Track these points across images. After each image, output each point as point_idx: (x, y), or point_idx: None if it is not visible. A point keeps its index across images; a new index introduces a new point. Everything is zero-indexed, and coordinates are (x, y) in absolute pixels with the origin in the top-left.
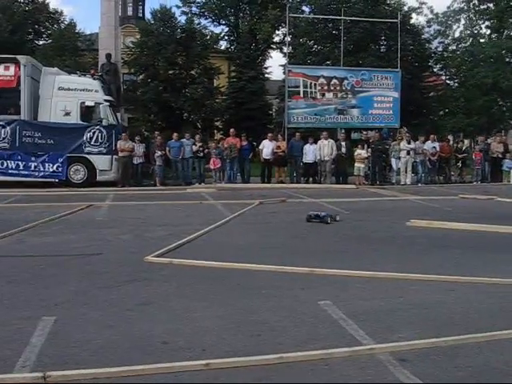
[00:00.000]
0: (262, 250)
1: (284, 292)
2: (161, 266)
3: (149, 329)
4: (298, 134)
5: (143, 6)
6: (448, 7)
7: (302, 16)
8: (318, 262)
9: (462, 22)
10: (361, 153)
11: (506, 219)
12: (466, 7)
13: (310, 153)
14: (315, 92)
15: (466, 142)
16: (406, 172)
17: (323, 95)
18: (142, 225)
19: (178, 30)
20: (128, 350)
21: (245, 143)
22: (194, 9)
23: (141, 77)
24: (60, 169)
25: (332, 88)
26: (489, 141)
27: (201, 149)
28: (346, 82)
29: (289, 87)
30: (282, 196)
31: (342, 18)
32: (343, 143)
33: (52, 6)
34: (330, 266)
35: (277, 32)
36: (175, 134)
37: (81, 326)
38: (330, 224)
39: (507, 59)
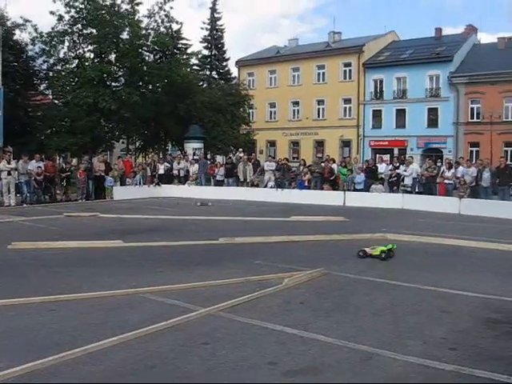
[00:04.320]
0: None
1: None
2: None
3: None
4: None
5: None
6: (52, 28)
7: None
8: None
9: (67, 43)
10: None
11: (107, 234)
12: (70, 30)
13: None
14: None
15: (74, 160)
16: (9, 193)
17: None
18: None
19: None
20: None
21: None
22: None
23: None
24: None
25: None
26: (93, 160)
27: None
28: None
29: None
30: None
31: None
32: None
33: None
34: None
35: None
36: None
37: None
38: None
39: (108, 82)
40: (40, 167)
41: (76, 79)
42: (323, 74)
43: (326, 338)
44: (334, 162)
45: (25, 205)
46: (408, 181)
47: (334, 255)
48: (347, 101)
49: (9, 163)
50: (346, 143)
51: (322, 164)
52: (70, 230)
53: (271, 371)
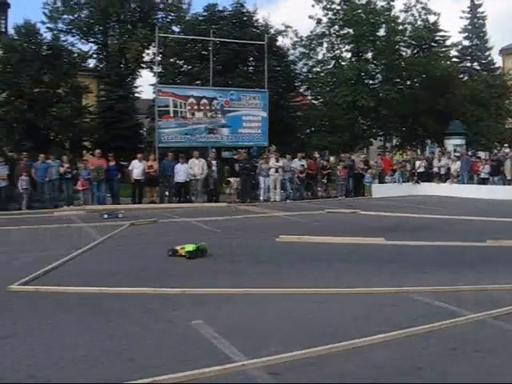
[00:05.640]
0: (132, 273)
1: (156, 314)
2: (26, 294)
3: (12, 362)
4: (170, 154)
5: (6, 20)
6: (311, 31)
7: (171, 36)
8: (189, 282)
9: (325, 45)
10: (230, 181)
11: (368, 231)
12: (327, 32)
13: (182, 172)
14: (185, 111)
15: (332, 158)
16: (275, 189)
17: (193, 115)
18: (7, 251)
19: (44, 47)
20: None
21: (112, 164)
22: (60, 25)
23: (3, 95)
24: None
25: (202, 107)
26: (352, 157)
27: (68, 170)
28: (215, 101)
29: (159, 107)
30: (154, 216)
31: (211, 39)
32: (214, 162)
33: None
34: (201, 285)
35: (146, 51)
36: (41, 155)
37: None
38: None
39: (366, 81)
40: (303, 165)
41: (334, 79)
42: None
43: None
44: None
45: (288, 201)
46: None
47: None
48: None
49: (277, 161)
50: None
51: None
52: (332, 225)
53: None
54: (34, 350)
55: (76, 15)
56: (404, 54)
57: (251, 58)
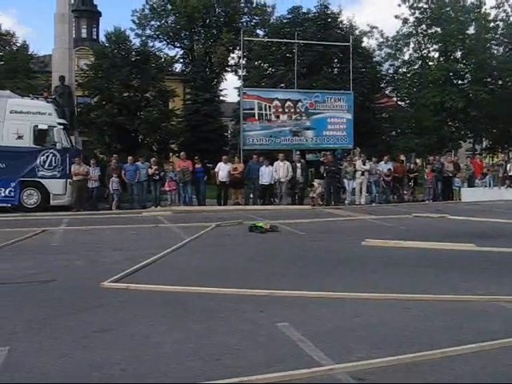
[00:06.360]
0: (219, 273)
1: (242, 315)
2: (118, 291)
3: (107, 356)
4: (255, 156)
5: (97, 28)
6: (397, 31)
7: (256, 39)
8: (275, 284)
9: (412, 45)
10: (314, 184)
11: (457, 237)
12: (414, 31)
13: (266, 174)
14: (270, 114)
15: (418, 161)
16: (360, 192)
17: (278, 117)
18: (98, 249)
19: (133, 53)
20: (85, 378)
21: (198, 166)
22: (148, 31)
23: (95, 99)
24: (12, 193)
25: (286, 110)
26: (441, 160)
27: (156, 172)
28: (300, 104)
29: (244, 109)
30: (239, 218)
31: (296, 41)
32: (298, 165)
33: (4, 28)
34: (287, 287)
35: (232, 55)
36: (130, 158)
37: (36, 356)
38: (285, 245)
39: (454, 81)
40: (390, 169)
41: (420, 80)
42: None
43: None
44: None
45: (373, 204)
46: None
47: None
48: None
49: (364, 164)
50: None
51: None
52: (419, 230)
53: None
54: (124, 345)
55: (163, 21)
56: (495, 52)
57: (336, 60)
